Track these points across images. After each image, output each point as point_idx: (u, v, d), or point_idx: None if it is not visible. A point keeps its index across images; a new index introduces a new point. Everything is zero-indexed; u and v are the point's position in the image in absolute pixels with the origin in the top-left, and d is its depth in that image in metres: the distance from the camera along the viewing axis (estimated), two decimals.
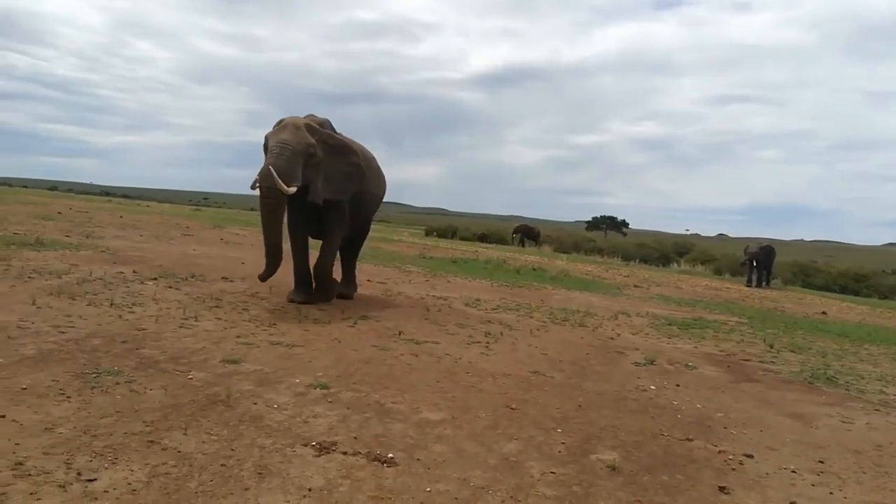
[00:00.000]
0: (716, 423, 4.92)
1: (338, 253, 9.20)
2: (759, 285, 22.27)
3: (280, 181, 7.02)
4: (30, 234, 11.03)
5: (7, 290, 6.38)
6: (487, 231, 41.31)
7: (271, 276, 7.55)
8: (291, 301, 7.82)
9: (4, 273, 7.25)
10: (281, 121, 7.86)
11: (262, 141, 7.77)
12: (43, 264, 8.12)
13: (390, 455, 3.53)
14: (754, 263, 22.26)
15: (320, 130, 7.93)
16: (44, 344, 4.78)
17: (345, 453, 3.50)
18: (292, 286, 8.16)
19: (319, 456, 3.43)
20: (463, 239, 37.62)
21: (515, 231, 39.72)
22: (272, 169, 7.02)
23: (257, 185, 7.24)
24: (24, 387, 3.86)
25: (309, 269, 8.17)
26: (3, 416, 3.38)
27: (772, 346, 8.84)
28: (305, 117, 8.00)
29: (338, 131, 8.48)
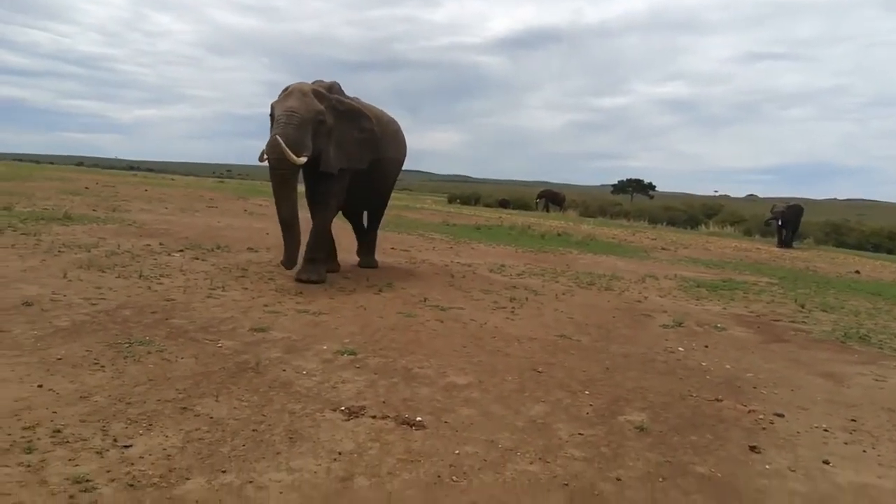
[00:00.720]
0: (745, 384, 4.87)
1: (364, 223, 9.18)
2: (787, 244, 21.72)
3: (289, 151, 6.60)
4: (58, 209, 11.21)
5: (38, 265, 6.50)
6: (509, 197, 41.05)
7: (294, 258, 7.08)
8: (300, 280, 7.14)
9: (35, 247, 7.39)
10: (287, 88, 7.40)
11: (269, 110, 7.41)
12: (72, 238, 8.26)
13: (418, 418, 3.56)
14: (779, 223, 21.66)
15: (328, 96, 7.43)
16: (76, 316, 4.87)
17: (373, 417, 3.53)
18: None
19: (348, 420, 3.46)
20: (486, 206, 37.47)
21: (539, 196, 39.33)
22: (279, 139, 6.61)
23: (265, 156, 6.82)
24: (59, 357, 3.94)
25: (332, 242, 7.96)
26: (41, 386, 3.47)
27: (803, 306, 8.71)
28: (313, 83, 7.53)
29: (349, 95, 8.01)
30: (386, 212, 9.81)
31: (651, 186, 64.51)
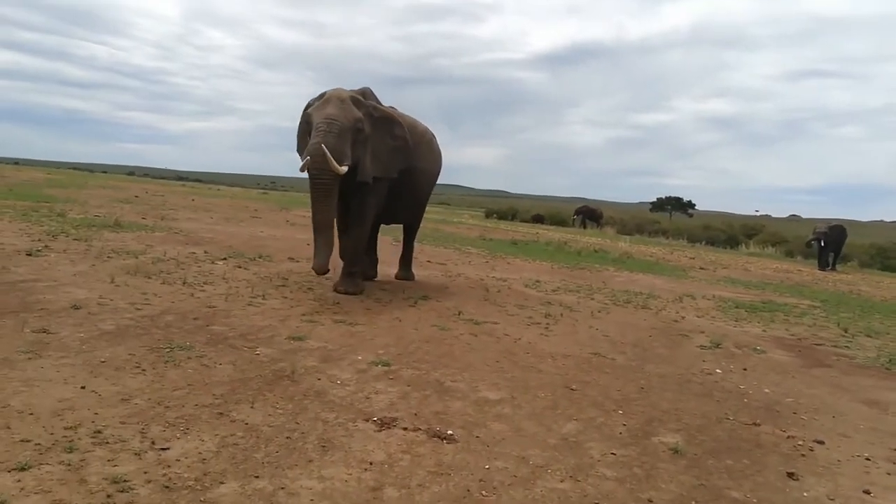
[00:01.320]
0: (785, 409, 4.76)
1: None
2: (828, 267, 20.89)
3: (333, 160, 6.40)
4: (109, 217, 11.59)
5: (88, 269, 6.73)
6: (545, 213, 40.88)
7: (326, 263, 6.79)
8: (338, 291, 7.22)
9: (86, 253, 7.65)
10: (323, 94, 7.18)
11: (301, 117, 7.28)
12: (121, 245, 8.53)
13: (450, 432, 3.57)
14: (821, 244, 20.69)
15: (365, 103, 7.25)
16: (121, 320, 5.03)
17: (405, 429, 3.56)
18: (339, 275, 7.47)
19: (381, 431, 3.49)
20: (523, 221, 37.39)
21: (577, 212, 39.10)
22: (323, 147, 6.39)
23: (306, 166, 6.60)
24: (103, 360, 4.07)
25: (373, 252, 8.18)
26: (84, 387, 3.59)
27: (846, 331, 8.46)
28: (350, 90, 7.29)
29: (382, 103, 7.77)
30: (422, 225, 9.84)
31: (690, 205, 63.45)
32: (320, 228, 6.85)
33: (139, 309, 5.41)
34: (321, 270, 6.85)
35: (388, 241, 11.71)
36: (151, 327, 4.93)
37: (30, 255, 7.11)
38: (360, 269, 7.58)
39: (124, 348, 4.34)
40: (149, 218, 12.57)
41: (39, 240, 8.16)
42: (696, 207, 64.59)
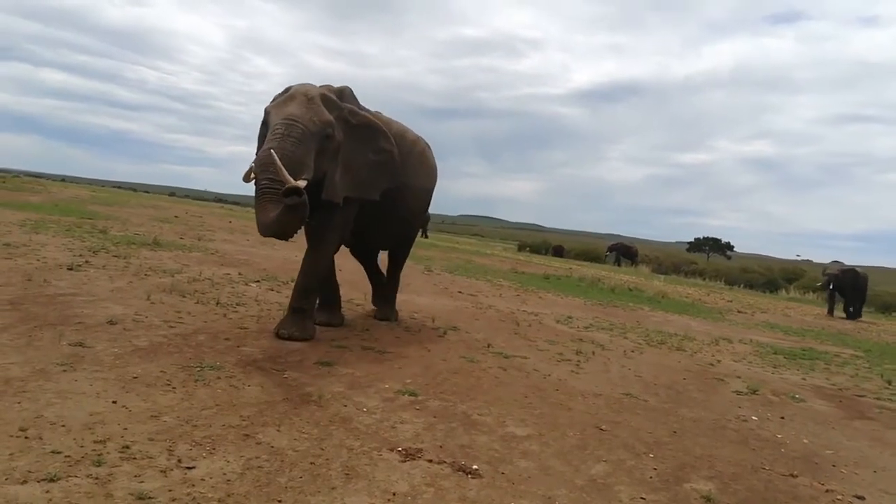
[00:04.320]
0: (824, 461, 4.57)
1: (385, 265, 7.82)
2: (849, 316, 19.46)
3: (285, 171, 4.93)
4: (148, 235, 11.86)
5: (125, 286, 6.86)
6: (580, 248, 40.73)
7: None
8: (280, 336, 5.68)
9: (124, 270, 7.81)
10: (288, 89, 5.84)
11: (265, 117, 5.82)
12: (158, 263, 8.70)
13: (475, 466, 3.51)
14: (831, 287, 19.37)
15: (339, 104, 5.90)
16: (155, 337, 5.09)
17: (430, 461, 3.50)
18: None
19: (405, 462, 3.45)
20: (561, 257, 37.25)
21: (610, 249, 38.89)
22: (273, 154, 4.97)
23: (252, 175, 5.24)
24: (135, 376, 4.12)
25: (335, 289, 6.69)
26: (115, 402, 3.62)
27: (890, 382, 8.14)
28: (321, 87, 5.98)
29: (364, 106, 6.45)
30: (450, 256, 9.78)
31: (729, 246, 62.49)
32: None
33: (172, 327, 5.48)
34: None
35: (420, 271, 11.73)
36: (183, 346, 4.98)
37: (71, 269, 7.29)
38: (311, 305, 6.07)
39: (156, 365, 4.39)
40: (186, 238, 12.82)
41: (80, 255, 8.37)
42: (734, 249, 63.57)
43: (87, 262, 7.93)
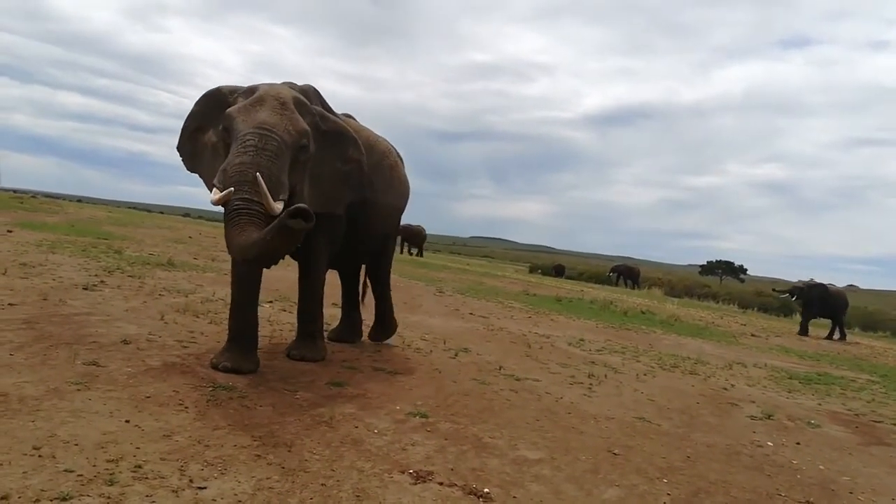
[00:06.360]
0: (840, 488, 4.49)
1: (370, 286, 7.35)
2: (829, 335, 17.86)
3: (269, 196, 4.39)
4: (163, 256, 11.96)
5: (139, 306, 6.92)
6: (587, 269, 40.92)
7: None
8: (217, 367, 4.93)
9: (139, 290, 7.88)
10: (254, 89, 5.02)
11: (201, 108, 5.34)
12: (172, 283, 8.76)
13: (486, 490, 3.48)
14: (794, 298, 17.93)
15: (311, 108, 5.26)
16: (168, 357, 5.12)
17: (441, 484, 3.48)
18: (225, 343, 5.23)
19: (416, 484, 3.43)
20: (568, 278, 37.15)
21: (613, 270, 39.15)
22: (259, 176, 4.36)
23: (220, 195, 4.48)
24: (148, 395, 4.14)
25: (255, 315, 5.29)
26: (128, 421, 3.64)
27: None
28: (283, 83, 5.35)
29: (332, 108, 5.83)
30: (461, 277, 9.75)
31: (742, 269, 62.00)
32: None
33: (185, 347, 5.51)
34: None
35: (431, 292, 11.73)
36: (196, 365, 5.00)
37: (86, 289, 7.36)
38: (319, 327, 5.97)
39: (169, 385, 4.41)
40: (200, 258, 12.91)
41: (96, 275, 8.46)
42: (747, 272, 63.11)
43: (102, 281, 8.01)
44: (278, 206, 4.44)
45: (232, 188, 4.41)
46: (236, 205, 4.41)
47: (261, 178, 4.34)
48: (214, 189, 4.55)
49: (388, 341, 7.36)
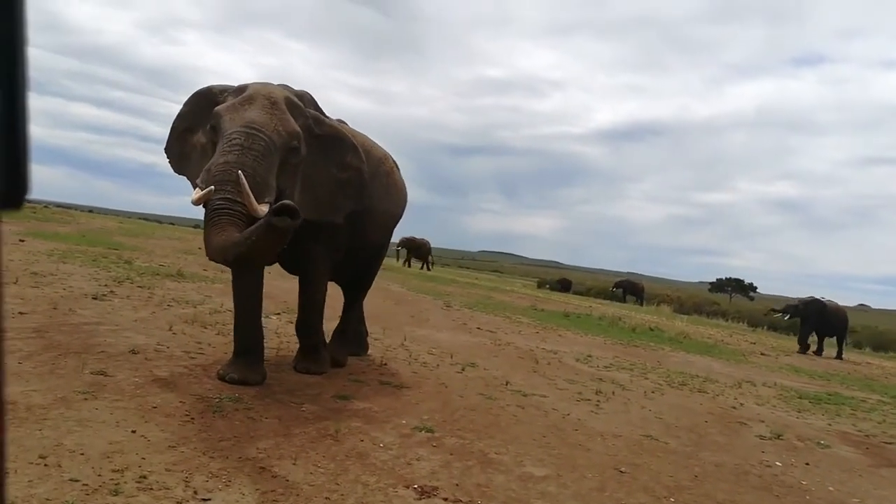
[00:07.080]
0: None
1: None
2: (816, 351, 17.56)
3: (252, 197, 4.22)
4: (172, 266, 12.01)
5: (148, 316, 6.95)
6: (595, 285, 40.94)
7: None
8: (224, 379, 4.92)
9: (148, 300, 7.92)
10: (243, 87, 4.89)
11: (190, 108, 5.22)
12: (181, 294, 8.80)
13: None
14: (787, 317, 17.77)
15: (305, 111, 5.07)
16: (175, 367, 5.13)
17: (445, 499, 3.46)
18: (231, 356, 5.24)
19: (420, 499, 3.41)
20: (576, 293, 37.05)
21: (617, 285, 39.14)
22: (238, 172, 4.20)
23: (201, 195, 4.35)
24: (155, 406, 4.15)
25: (260, 327, 5.28)
26: (134, 432, 3.65)
27: None
28: (278, 85, 5.13)
29: (327, 115, 5.58)
30: (469, 292, 9.71)
31: (752, 287, 61.58)
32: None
33: (193, 357, 5.53)
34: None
35: (439, 307, 11.71)
36: (203, 376, 5.01)
37: (95, 298, 7.40)
38: (320, 338, 5.90)
39: (175, 395, 4.42)
40: (209, 270, 12.95)
41: (106, 285, 8.50)
42: (757, 290, 62.68)
43: (111, 291, 8.05)
44: (263, 209, 4.26)
45: (213, 187, 4.26)
46: (217, 204, 4.26)
47: (243, 178, 4.17)
48: (196, 188, 4.46)
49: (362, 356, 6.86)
